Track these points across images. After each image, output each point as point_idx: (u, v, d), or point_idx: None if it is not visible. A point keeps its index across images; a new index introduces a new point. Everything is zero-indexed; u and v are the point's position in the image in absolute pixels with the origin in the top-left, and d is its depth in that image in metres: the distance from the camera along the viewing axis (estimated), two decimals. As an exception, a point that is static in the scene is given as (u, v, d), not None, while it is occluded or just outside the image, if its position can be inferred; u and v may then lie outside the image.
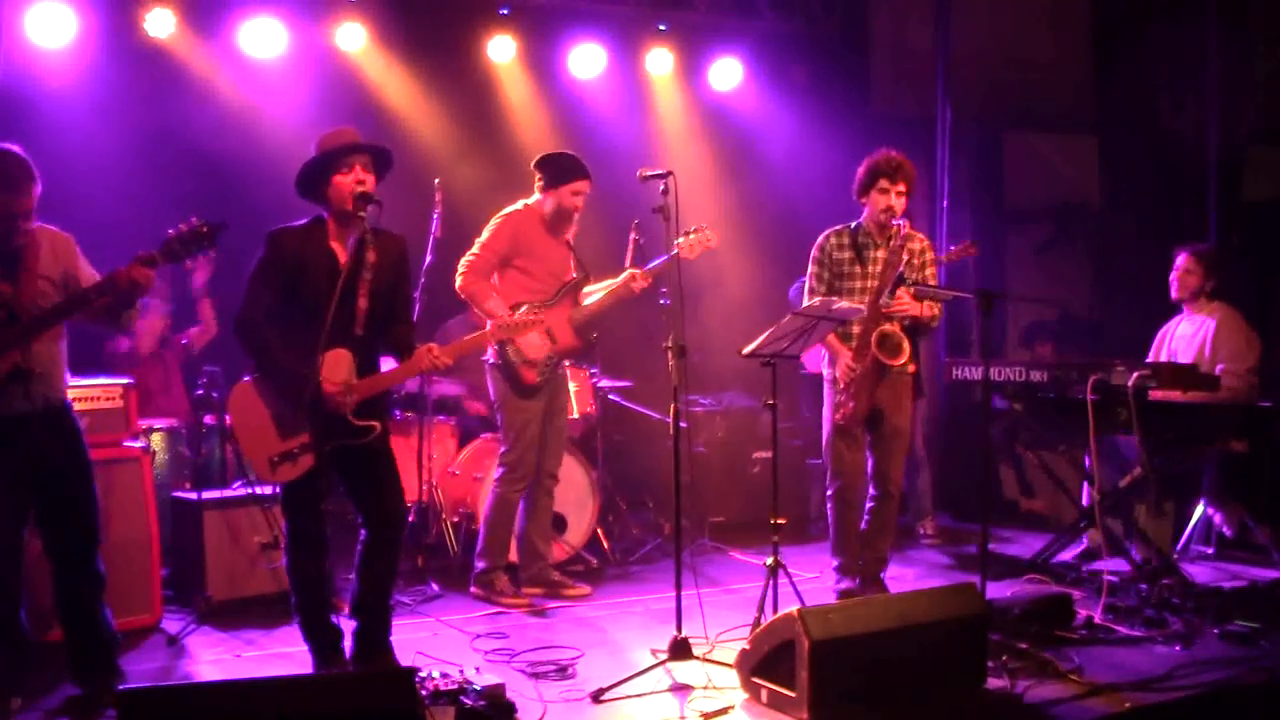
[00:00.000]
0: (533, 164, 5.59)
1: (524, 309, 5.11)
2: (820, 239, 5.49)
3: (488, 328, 4.67)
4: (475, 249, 5.50)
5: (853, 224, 5.48)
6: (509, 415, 5.53)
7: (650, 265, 5.49)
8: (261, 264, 4.22)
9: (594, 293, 5.62)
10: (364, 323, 4.25)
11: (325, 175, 4.20)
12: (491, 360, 5.51)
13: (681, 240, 5.30)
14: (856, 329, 5.28)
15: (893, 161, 5.29)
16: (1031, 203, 8.89)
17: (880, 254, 5.33)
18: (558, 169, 5.51)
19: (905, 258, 5.30)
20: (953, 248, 6.67)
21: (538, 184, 5.57)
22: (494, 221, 5.55)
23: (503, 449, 5.58)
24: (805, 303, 5.10)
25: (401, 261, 4.40)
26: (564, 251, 5.63)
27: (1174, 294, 6.16)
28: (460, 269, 5.45)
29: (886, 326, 5.19)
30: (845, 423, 5.29)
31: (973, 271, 8.31)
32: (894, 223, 5.25)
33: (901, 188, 5.29)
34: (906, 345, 5.19)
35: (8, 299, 3.92)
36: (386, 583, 4.44)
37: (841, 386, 5.30)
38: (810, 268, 5.49)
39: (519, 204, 5.60)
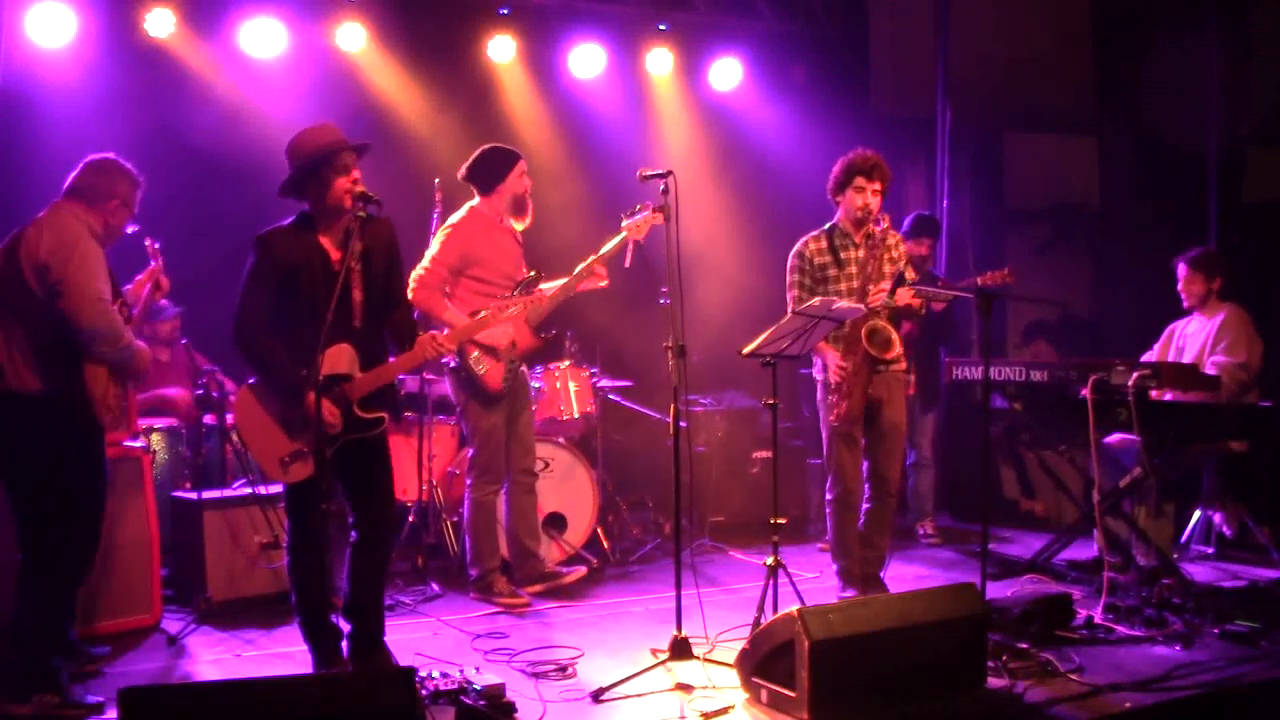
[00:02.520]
0: (463, 179, 5.53)
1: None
2: (799, 245, 5.42)
3: (484, 314, 4.67)
4: (425, 263, 5.39)
5: (827, 225, 5.43)
6: (473, 421, 5.50)
7: (601, 251, 5.45)
8: (254, 268, 4.18)
9: (549, 289, 5.54)
10: (361, 315, 4.26)
11: (320, 175, 4.17)
12: (451, 365, 5.45)
13: (628, 221, 5.31)
14: (846, 330, 5.25)
15: (869, 159, 5.26)
16: (1031, 203, 8.89)
17: (860, 254, 5.30)
18: (494, 166, 5.46)
19: (894, 257, 5.31)
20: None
21: (477, 192, 5.52)
22: (441, 234, 5.49)
23: (470, 454, 5.56)
24: (793, 307, 5.08)
25: (392, 246, 4.38)
26: (516, 250, 5.59)
27: (1185, 305, 6.23)
28: (411, 284, 5.24)
29: (876, 321, 5.18)
30: (840, 423, 5.26)
31: (974, 271, 8.32)
32: (876, 228, 5.24)
33: (878, 186, 5.26)
34: (896, 339, 5.19)
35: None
36: (378, 583, 4.43)
37: (834, 386, 5.27)
38: (791, 276, 5.40)
39: (463, 211, 5.54)
